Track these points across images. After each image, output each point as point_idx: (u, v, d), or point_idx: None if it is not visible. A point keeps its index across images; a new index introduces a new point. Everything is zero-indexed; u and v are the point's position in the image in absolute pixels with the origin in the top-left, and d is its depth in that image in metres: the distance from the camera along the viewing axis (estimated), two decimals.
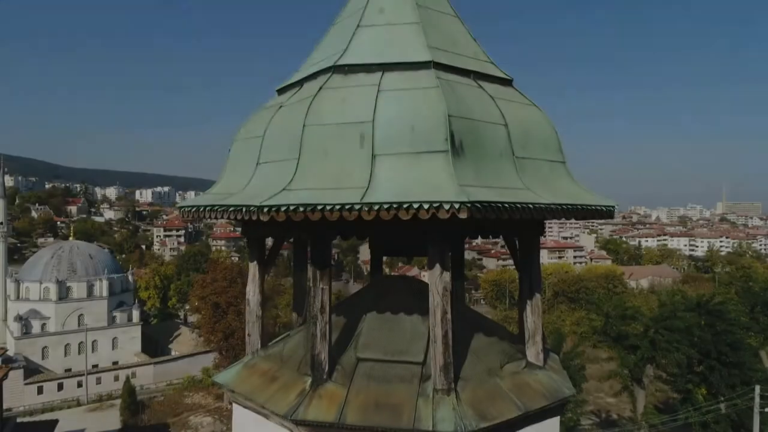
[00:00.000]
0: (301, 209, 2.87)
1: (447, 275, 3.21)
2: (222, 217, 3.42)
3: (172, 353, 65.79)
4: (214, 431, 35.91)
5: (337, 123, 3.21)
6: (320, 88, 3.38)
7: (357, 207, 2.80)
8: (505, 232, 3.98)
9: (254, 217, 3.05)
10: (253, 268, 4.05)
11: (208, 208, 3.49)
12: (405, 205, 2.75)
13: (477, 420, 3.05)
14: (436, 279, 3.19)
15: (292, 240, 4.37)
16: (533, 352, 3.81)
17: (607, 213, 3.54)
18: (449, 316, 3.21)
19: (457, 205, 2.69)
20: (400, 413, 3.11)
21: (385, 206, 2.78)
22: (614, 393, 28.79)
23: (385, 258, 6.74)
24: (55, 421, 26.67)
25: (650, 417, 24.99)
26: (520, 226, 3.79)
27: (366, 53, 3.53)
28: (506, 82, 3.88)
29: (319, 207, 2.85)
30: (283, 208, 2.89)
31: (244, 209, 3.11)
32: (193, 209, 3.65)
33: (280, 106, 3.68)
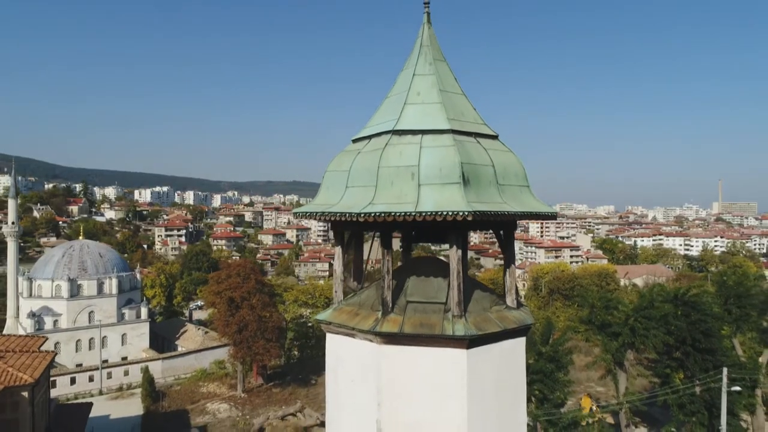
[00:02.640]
0: (383, 215, 5.35)
1: (459, 252, 5.70)
2: (329, 219, 5.90)
3: (179, 349, 67.75)
4: (230, 416, 38.30)
5: (397, 166, 5.69)
6: (386, 144, 5.87)
7: (413, 213, 5.27)
8: (493, 228, 6.48)
9: (353, 219, 5.53)
10: (338, 250, 6.56)
11: (318, 214, 5.97)
12: (439, 213, 5.22)
13: (476, 330, 5.54)
14: (453, 253, 5.68)
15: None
16: (509, 299, 6.32)
17: (551, 216, 6.08)
18: (461, 275, 5.70)
19: (466, 213, 5.17)
20: (433, 327, 5.60)
21: (429, 213, 5.25)
22: (600, 376, 31.46)
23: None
24: (90, 404, 29.02)
25: (630, 396, 27.68)
26: (502, 224, 6.31)
27: (411, 122, 6.02)
28: (494, 137, 6.38)
29: (393, 213, 5.32)
30: (372, 214, 5.37)
31: (347, 214, 5.59)
32: (307, 214, 6.14)
33: (359, 152, 6.16)
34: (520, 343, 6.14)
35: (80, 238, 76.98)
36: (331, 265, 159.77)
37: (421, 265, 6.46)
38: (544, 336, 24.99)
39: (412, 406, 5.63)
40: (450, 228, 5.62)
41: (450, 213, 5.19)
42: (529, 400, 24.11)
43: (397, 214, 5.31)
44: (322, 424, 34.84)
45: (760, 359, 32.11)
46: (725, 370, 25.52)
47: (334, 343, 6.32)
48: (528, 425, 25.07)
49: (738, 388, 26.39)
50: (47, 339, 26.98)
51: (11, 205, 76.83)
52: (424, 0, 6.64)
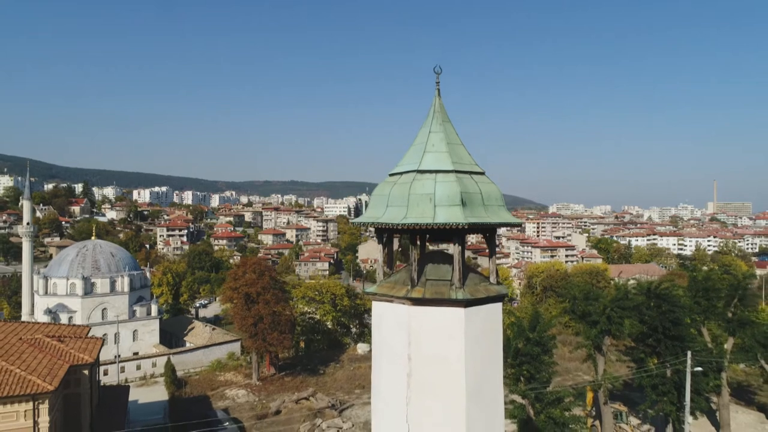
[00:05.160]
0: (413, 224, 8.73)
1: (459, 247, 9.09)
2: (377, 227, 9.26)
3: (187, 345, 70.68)
4: (248, 401, 41.69)
5: (421, 193, 9.07)
6: (413, 179, 9.25)
7: (431, 224, 8.65)
8: (481, 232, 9.88)
9: (395, 227, 8.90)
10: (380, 247, 9.95)
11: (370, 223, 9.35)
12: (447, 224, 8.60)
13: (470, 296, 8.93)
14: (456, 248, 9.07)
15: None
16: (492, 278, 9.74)
17: (518, 224, 9.49)
18: (461, 262, 9.09)
19: (464, 223, 8.55)
20: (444, 294, 8.97)
21: (441, 224, 8.62)
22: (582, 360, 35.06)
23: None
24: (128, 387, 32.24)
25: (607, 376, 31.33)
26: (488, 230, 9.72)
27: (429, 165, 9.40)
28: (482, 173, 9.78)
29: (419, 224, 8.71)
30: (406, 224, 8.75)
31: (390, 224, 8.97)
32: (362, 223, 9.52)
33: (395, 183, 9.55)
34: (499, 306, 9.56)
35: (93, 238, 79.81)
36: (330, 264, 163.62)
37: (434, 256, 9.88)
38: (531, 324, 28.47)
39: (429, 344, 9.02)
40: (454, 233, 9.03)
41: (454, 223, 8.60)
42: (518, 379, 27.54)
43: (422, 224, 8.72)
44: (333, 407, 38.26)
45: (725, 346, 35.75)
46: (689, 354, 29.11)
47: (378, 307, 9.72)
48: (517, 401, 28.53)
49: (700, 368, 29.98)
50: (90, 328, 30.22)
51: (26, 206, 79.79)
52: (436, 80, 10.03)
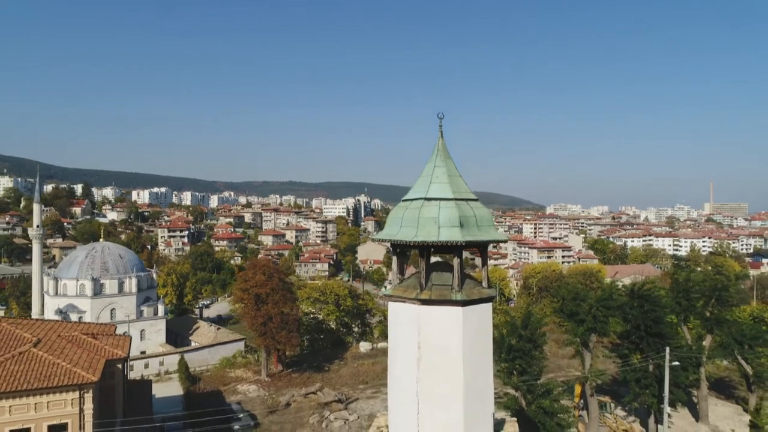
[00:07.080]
0: (422, 241, 11.21)
1: (459, 259, 11.56)
2: (393, 243, 11.72)
3: (192, 344, 72.76)
4: (259, 395, 44.16)
5: (428, 217, 11.53)
6: (422, 205, 11.72)
7: (436, 241, 11.13)
8: (476, 247, 12.35)
9: (408, 243, 11.38)
10: (395, 258, 12.41)
11: (386, 239, 11.81)
12: (449, 241, 11.08)
13: (467, 297, 11.40)
14: (455, 260, 11.54)
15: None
16: (484, 283, 12.22)
17: (505, 240, 11.99)
18: (460, 271, 11.56)
19: (462, 241, 11.03)
20: (446, 296, 11.44)
21: (443, 241, 11.10)
22: (571, 356, 37.62)
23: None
24: (150, 381, 34.53)
25: (593, 371, 33.87)
26: (481, 245, 12.21)
27: (434, 194, 11.87)
28: (476, 200, 12.25)
29: (427, 241, 11.19)
30: (417, 241, 11.22)
31: (404, 241, 11.44)
32: (381, 239, 11.97)
33: (407, 208, 12.01)
34: (489, 305, 12.06)
35: (101, 240, 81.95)
36: (330, 265, 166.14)
37: (438, 266, 12.37)
38: (524, 322, 30.96)
39: (435, 335, 11.49)
40: (453, 248, 11.51)
41: (454, 241, 11.07)
42: (511, 373, 30.03)
43: (429, 241, 11.20)
44: (339, 401, 40.73)
45: (704, 342, 38.34)
46: (668, 349, 31.66)
47: (393, 306, 12.20)
48: (511, 393, 30.98)
49: (678, 363, 32.51)
50: (116, 327, 32.53)
51: (36, 209, 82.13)
52: (439, 124, 12.52)
